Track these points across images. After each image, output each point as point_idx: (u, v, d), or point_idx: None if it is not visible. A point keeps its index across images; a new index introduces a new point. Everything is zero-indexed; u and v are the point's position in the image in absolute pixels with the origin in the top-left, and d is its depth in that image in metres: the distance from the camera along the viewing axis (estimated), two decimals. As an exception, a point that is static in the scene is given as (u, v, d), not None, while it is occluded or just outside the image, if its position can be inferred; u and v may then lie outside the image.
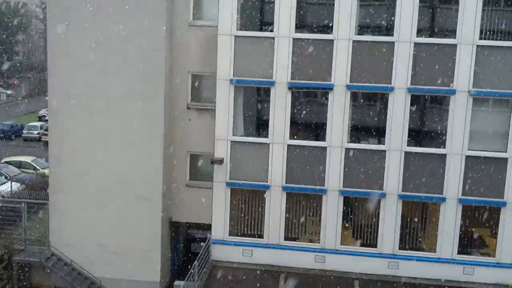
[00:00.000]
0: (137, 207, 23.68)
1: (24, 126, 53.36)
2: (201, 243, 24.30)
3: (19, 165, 36.42)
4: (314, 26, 21.49)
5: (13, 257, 24.27)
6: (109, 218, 23.92)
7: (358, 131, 21.84)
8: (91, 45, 22.92)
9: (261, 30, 21.88)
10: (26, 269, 24.58)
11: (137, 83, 22.94)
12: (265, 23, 21.87)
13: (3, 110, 63.82)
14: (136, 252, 23.90)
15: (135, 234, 23.82)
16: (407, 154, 21.31)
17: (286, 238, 22.52)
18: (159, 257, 24.02)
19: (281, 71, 21.42)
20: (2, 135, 52.23)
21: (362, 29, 21.25)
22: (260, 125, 22.56)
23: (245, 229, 22.97)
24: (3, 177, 32.35)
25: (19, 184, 31.20)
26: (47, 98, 24.54)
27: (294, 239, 22.60)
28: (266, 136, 22.03)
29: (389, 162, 21.41)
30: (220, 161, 22.19)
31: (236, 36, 21.52)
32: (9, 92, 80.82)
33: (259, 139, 22.22)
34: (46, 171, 31.04)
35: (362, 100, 21.80)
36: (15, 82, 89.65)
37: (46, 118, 50.29)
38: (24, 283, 24.57)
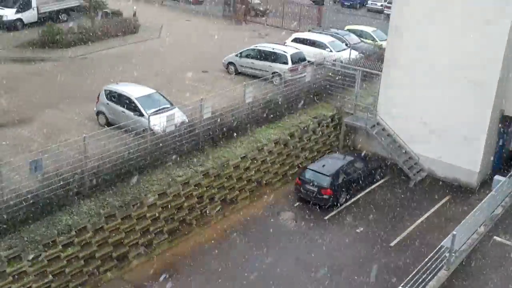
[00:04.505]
0: (468, 91, 22.69)
1: (370, -3, 54.70)
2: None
3: (359, 34, 37.81)
4: None
5: (343, 119, 26.32)
6: (437, 98, 23.59)
7: None
8: None
9: None
10: (352, 131, 26.52)
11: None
12: None
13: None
14: (458, 136, 23.34)
15: (460, 118, 23.13)
16: None
17: None
18: (482, 147, 23.06)
19: None
20: (348, 4, 54.64)
21: None
22: None
23: None
24: (344, 44, 34.22)
25: (357, 53, 32.64)
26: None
27: None
28: None
29: None
30: None
31: None
32: None
33: None
34: (384, 43, 31.65)
35: None
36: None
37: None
38: (348, 144, 26.69)
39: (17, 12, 36.12)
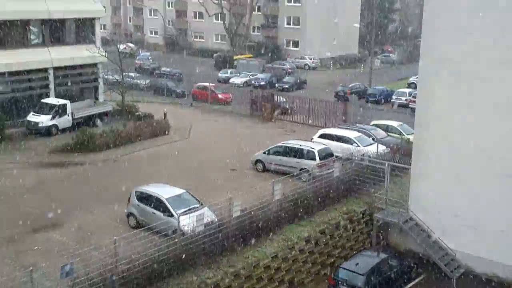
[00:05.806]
0: (499, 182, 22.29)
1: (393, 92, 55.48)
2: None
3: (386, 128, 38.08)
4: None
5: (374, 214, 25.91)
6: (468, 190, 23.19)
7: None
8: (477, 11, 22.00)
9: None
10: (384, 227, 25.98)
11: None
12: None
13: (377, 75, 67.51)
14: (494, 230, 22.65)
15: (495, 211, 22.55)
16: None
17: None
18: (520, 241, 22.28)
19: None
20: (373, 99, 55.52)
21: None
22: None
23: None
24: (371, 138, 34.42)
25: (385, 147, 32.71)
26: (418, 65, 24.85)
27: None
28: None
29: None
30: None
31: None
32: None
33: None
34: (411, 137, 31.71)
35: None
36: (389, 49, 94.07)
37: (415, 85, 51.23)
38: (381, 240, 26.07)
39: (52, 118, 37.61)
